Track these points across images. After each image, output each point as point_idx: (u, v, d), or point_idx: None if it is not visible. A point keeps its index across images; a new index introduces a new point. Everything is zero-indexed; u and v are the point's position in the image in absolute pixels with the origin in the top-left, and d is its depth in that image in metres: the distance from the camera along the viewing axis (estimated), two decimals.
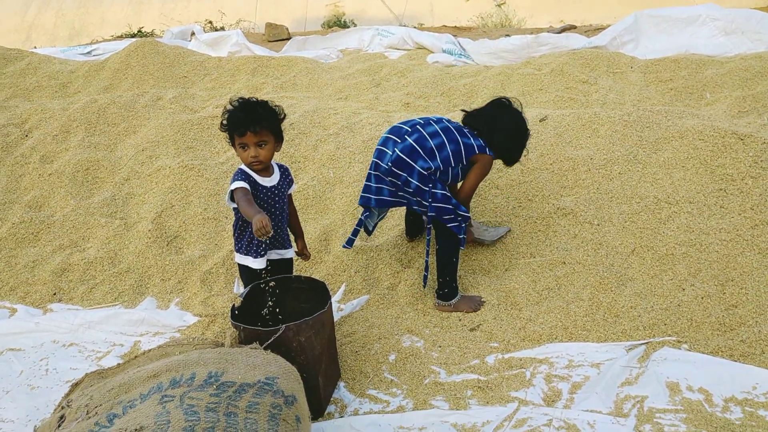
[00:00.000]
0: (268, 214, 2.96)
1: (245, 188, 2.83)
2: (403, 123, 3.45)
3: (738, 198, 3.62)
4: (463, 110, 3.60)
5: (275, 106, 2.95)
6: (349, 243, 3.53)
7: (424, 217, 3.80)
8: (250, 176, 2.91)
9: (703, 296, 3.19)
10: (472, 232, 3.75)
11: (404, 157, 3.28)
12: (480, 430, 2.59)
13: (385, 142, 3.39)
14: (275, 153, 2.98)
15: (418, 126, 3.39)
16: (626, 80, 5.81)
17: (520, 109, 3.53)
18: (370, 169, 3.43)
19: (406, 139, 3.32)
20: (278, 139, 2.95)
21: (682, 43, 6.40)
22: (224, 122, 2.89)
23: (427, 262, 3.46)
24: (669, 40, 6.54)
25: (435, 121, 3.43)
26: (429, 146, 3.31)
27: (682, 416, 2.55)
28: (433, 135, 3.35)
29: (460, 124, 3.52)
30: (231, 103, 2.89)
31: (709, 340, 2.96)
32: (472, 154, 3.38)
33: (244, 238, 3.01)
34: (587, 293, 3.37)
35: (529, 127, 3.53)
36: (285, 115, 2.99)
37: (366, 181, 3.46)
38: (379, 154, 3.37)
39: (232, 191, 2.84)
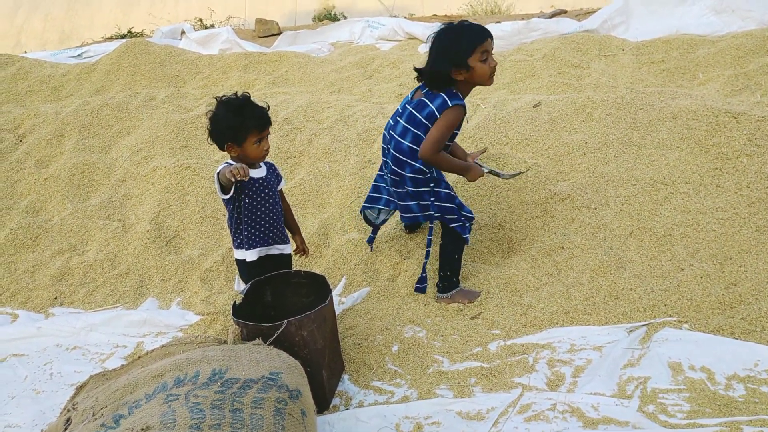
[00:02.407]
0: (261, 206, 3.01)
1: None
2: (386, 128, 3.37)
3: (734, 176, 3.62)
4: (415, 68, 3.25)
5: None
6: (370, 241, 3.81)
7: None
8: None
9: (702, 276, 3.20)
10: (483, 169, 3.38)
11: (394, 167, 3.29)
12: (485, 417, 2.60)
13: (382, 148, 3.43)
14: None
15: (391, 131, 3.28)
16: (618, 63, 5.80)
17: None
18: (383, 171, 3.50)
19: (389, 150, 3.30)
20: None
21: (673, 24, 6.39)
22: (235, 124, 2.88)
23: (425, 264, 3.49)
24: (660, 21, 6.53)
25: (399, 115, 3.25)
26: (405, 148, 3.20)
27: (686, 395, 2.56)
28: (404, 133, 3.20)
29: (421, 97, 3.19)
30: (228, 103, 2.91)
31: (710, 319, 2.98)
32: (435, 120, 3.10)
33: (240, 232, 3.03)
34: (587, 277, 3.38)
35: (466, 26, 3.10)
36: None
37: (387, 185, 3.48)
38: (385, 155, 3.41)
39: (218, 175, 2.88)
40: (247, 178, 2.76)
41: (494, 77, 3.16)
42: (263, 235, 3.05)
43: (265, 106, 3.01)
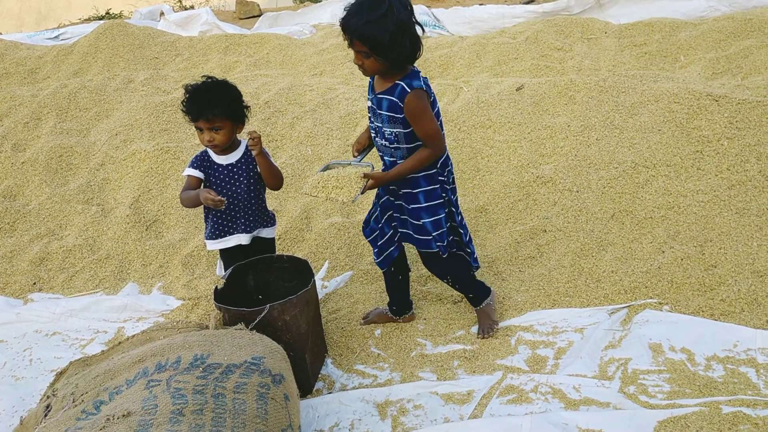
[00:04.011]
0: (225, 193, 2.92)
1: (191, 176, 2.90)
2: None
3: (714, 159, 3.64)
4: None
5: (231, 87, 2.88)
6: None
7: None
8: (207, 154, 2.94)
9: (682, 258, 3.22)
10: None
11: None
12: (468, 399, 2.62)
13: None
14: (237, 133, 2.94)
15: None
16: (600, 46, 5.80)
17: None
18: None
19: None
20: (237, 121, 2.88)
21: (664, 6, 6.38)
22: (182, 106, 2.87)
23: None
24: (650, 3, 6.52)
25: None
26: None
27: (666, 376, 2.59)
28: None
29: None
30: (187, 87, 2.84)
31: (690, 301, 3.00)
32: None
33: (207, 221, 3.01)
34: (568, 260, 3.39)
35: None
36: (243, 100, 2.91)
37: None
38: None
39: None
40: (214, 205, 2.75)
41: (365, 73, 2.62)
42: (228, 224, 2.98)
43: (233, 93, 2.86)
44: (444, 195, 2.77)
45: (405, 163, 2.65)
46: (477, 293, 3.04)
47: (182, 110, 2.87)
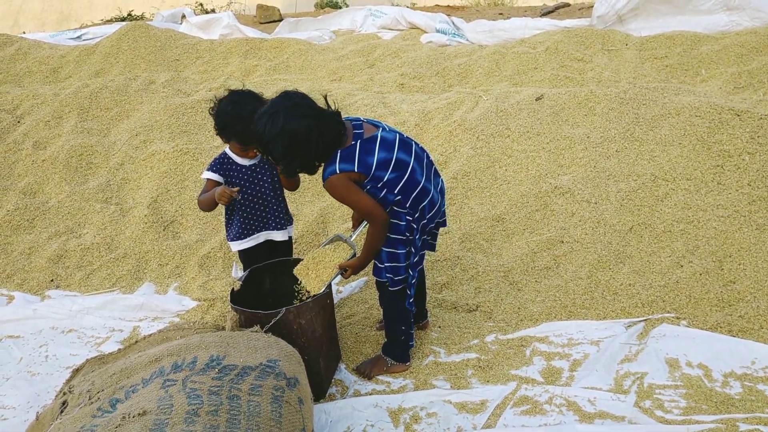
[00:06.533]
0: (250, 194, 2.95)
1: (210, 180, 2.92)
2: (422, 154, 2.75)
3: (735, 174, 3.62)
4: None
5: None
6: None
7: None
8: (227, 156, 2.95)
9: (701, 273, 3.20)
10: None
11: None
12: (481, 409, 2.60)
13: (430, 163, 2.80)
14: None
15: (432, 165, 2.82)
16: (621, 58, 5.78)
17: None
18: (437, 189, 2.78)
19: (438, 185, 2.82)
20: None
21: (684, 20, 6.32)
22: (222, 125, 2.85)
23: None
24: (671, 17, 6.46)
25: (422, 152, 2.77)
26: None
27: (682, 392, 2.57)
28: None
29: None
30: (235, 103, 2.82)
31: (708, 316, 2.98)
32: None
33: (231, 223, 3.03)
34: (585, 271, 3.37)
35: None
36: None
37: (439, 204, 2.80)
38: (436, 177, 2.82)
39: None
40: (227, 201, 2.80)
41: None
42: (255, 223, 3.01)
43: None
44: (408, 234, 2.67)
45: (364, 248, 2.70)
46: (396, 346, 2.90)
47: (221, 129, 2.88)
